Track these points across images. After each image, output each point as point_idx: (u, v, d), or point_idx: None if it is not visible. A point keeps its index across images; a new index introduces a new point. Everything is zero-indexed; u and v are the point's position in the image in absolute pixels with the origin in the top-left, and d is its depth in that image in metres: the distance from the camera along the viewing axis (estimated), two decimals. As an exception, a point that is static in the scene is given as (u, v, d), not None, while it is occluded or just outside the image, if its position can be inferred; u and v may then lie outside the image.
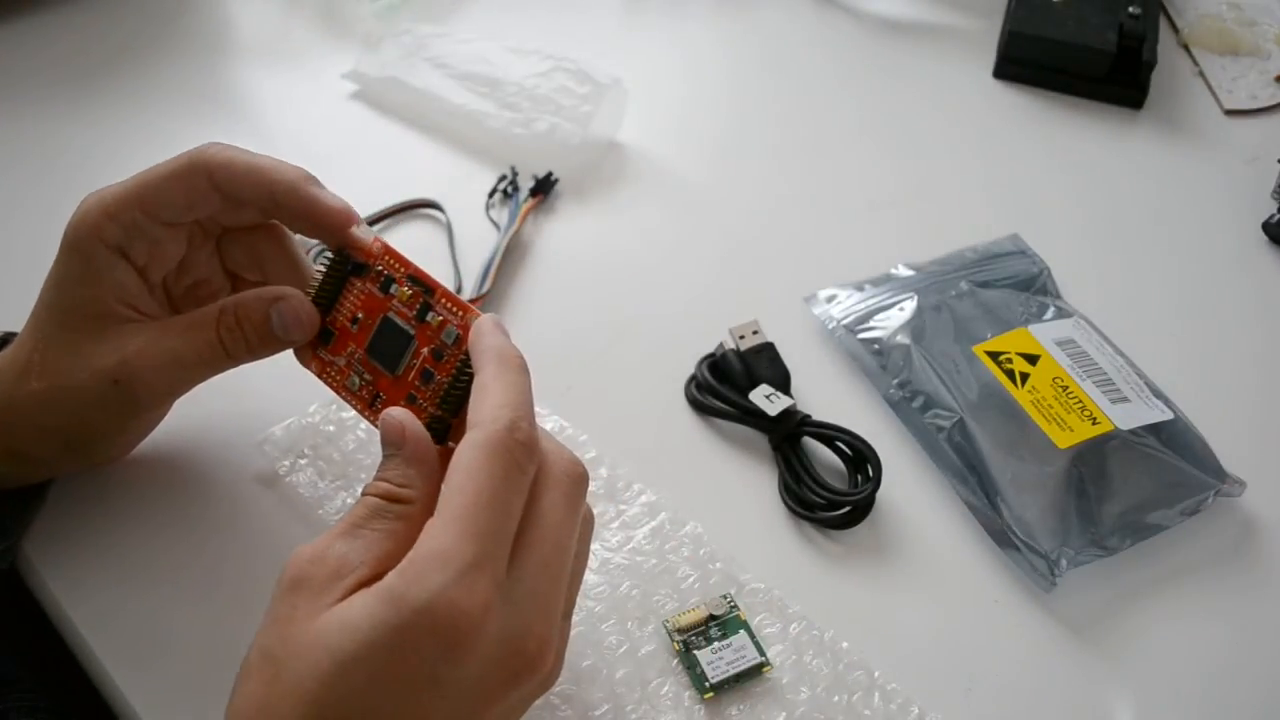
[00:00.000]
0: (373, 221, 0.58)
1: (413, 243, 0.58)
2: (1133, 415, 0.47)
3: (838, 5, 0.74)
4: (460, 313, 0.38)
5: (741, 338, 0.51)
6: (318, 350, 0.41)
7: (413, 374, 0.39)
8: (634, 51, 0.70)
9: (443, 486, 0.32)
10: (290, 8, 0.73)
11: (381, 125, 0.64)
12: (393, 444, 0.35)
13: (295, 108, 0.66)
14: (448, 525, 0.31)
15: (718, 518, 0.46)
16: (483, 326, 0.37)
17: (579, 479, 0.35)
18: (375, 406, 0.40)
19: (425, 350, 0.39)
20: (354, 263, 0.40)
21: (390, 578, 0.31)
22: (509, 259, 0.56)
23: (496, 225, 0.58)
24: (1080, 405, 0.47)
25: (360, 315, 0.40)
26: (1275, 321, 0.56)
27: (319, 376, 0.41)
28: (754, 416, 0.48)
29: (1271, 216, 0.60)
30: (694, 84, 0.69)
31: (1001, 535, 0.45)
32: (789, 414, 0.48)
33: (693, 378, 0.51)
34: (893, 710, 0.40)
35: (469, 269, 0.55)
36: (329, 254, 0.41)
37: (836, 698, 0.41)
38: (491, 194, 0.59)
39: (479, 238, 0.57)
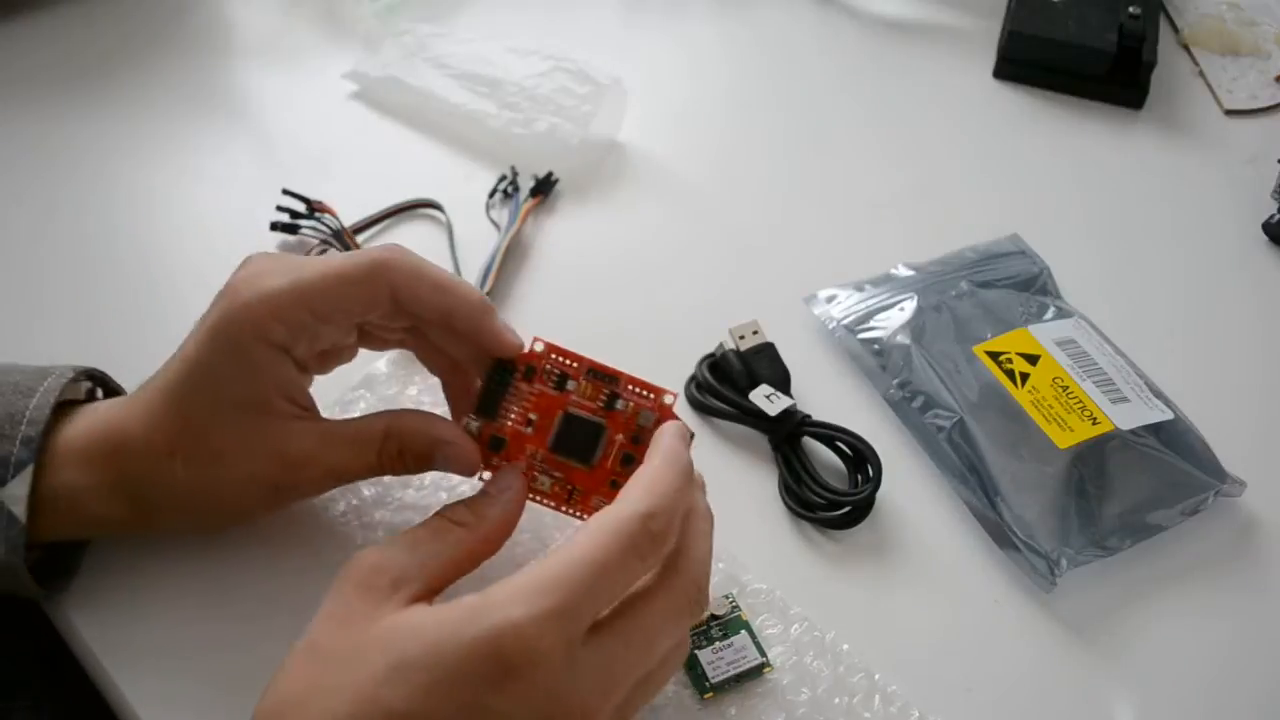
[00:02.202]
0: (373, 222, 0.57)
1: (413, 243, 0.56)
2: (1133, 415, 0.47)
3: (838, 5, 0.74)
4: (652, 395, 0.39)
5: (741, 338, 0.51)
6: (491, 460, 0.40)
7: (610, 461, 0.40)
8: (634, 51, 0.70)
9: (562, 546, 0.33)
10: (290, 8, 0.73)
11: (381, 125, 0.64)
12: (494, 491, 0.38)
13: (295, 108, 0.66)
14: (545, 570, 0.32)
15: (718, 518, 0.45)
16: (669, 428, 0.38)
17: (696, 605, 0.35)
18: (574, 501, 0.40)
19: (620, 436, 0.39)
20: (518, 368, 0.40)
21: (470, 596, 0.31)
22: (509, 259, 0.56)
23: (496, 225, 0.58)
24: (1080, 405, 0.47)
25: (534, 417, 0.40)
26: (1275, 321, 0.56)
27: None
28: (754, 416, 0.48)
29: (1271, 216, 0.60)
30: (694, 84, 0.69)
31: (1001, 535, 0.45)
32: (789, 414, 0.48)
33: (693, 378, 0.51)
34: (893, 713, 0.40)
35: (469, 269, 0.55)
36: (490, 368, 0.40)
37: (837, 699, 0.41)
38: (491, 194, 0.59)
39: (479, 238, 0.57)
